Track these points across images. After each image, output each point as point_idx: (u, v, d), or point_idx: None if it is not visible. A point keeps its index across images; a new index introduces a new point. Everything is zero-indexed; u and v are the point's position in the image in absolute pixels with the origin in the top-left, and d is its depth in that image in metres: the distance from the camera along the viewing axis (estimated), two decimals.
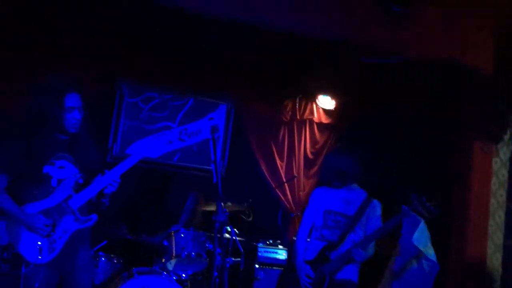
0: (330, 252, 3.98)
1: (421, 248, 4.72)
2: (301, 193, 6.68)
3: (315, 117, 6.89)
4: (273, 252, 5.99)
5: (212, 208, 5.18)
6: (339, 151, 4.40)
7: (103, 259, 4.65)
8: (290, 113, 6.77)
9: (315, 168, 6.77)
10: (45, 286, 3.25)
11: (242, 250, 5.33)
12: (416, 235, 4.75)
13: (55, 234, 3.26)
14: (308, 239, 4.26)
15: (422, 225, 4.67)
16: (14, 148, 3.28)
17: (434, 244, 4.78)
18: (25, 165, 3.27)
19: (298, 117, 6.79)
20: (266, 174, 6.61)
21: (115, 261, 4.73)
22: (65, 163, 3.39)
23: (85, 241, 3.53)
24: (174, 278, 4.63)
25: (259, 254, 5.92)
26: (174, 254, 4.78)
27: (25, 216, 3.22)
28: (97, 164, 3.48)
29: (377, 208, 4.14)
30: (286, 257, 5.96)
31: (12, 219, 3.25)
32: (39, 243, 3.19)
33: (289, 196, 6.65)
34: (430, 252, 4.71)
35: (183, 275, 4.87)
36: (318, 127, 6.96)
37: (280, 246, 6.07)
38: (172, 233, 4.88)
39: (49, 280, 3.30)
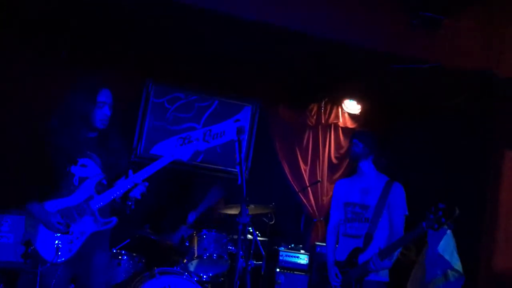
0: (357, 256, 3.85)
1: (447, 258, 4.62)
2: (324, 198, 6.62)
3: (340, 122, 6.83)
4: (294, 257, 5.95)
5: (234, 211, 5.17)
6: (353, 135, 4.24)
7: (125, 257, 4.67)
8: (315, 117, 6.74)
9: (339, 173, 6.71)
10: (61, 285, 3.22)
11: (263, 253, 5.29)
12: (442, 244, 4.67)
13: (73, 234, 3.22)
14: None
15: (449, 234, 4.58)
16: (45, 146, 3.27)
17: (461, 254, 4.68)
18: (51, 162, 3.25)
19: (323, 121, 6.74)
20: (290, 178, 6.57)
21: (137, 260, 4.74)
22: (88, 161, 3.36)
23: (103, 243, 3.47)
24: (195, 279, 4.62)
25: (281, 258, 5.89)
26: (195, 255, 4.77)
27: (42, 213, 3.18)
28: (122, 165, 3.43)
29: (400, 192, 3.93)
30: (307, 262, 5.91)
31: (31, 216, 3.23)
32: (57, 242, 3.17)
33: (312, 201, 6.59)
34: (456, 262, 4.62)
35: (204, 276, 4.86)
36: (343, 132, 6.90)
37: (302, 251, 6.03)
38: (195, 234, 4.88)
39: (65, 280, 3.27)
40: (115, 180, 3.40)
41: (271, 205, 5.39)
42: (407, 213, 3.91)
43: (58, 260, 3.16)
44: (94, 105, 3.33)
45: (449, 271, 4.60)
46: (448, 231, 4.65)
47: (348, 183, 4.15)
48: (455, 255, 4.64)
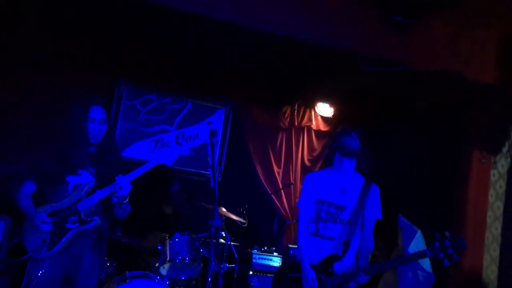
0: (332, 263, 3.62)
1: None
2: (297, 200, 6.64)
3: (313, 124, 6.89)
4: (267, 259, 5.94)
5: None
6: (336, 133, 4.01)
7: None
8: (288, 119, 6.77)
9: None
10: (48, 281, 3.43)
11: (236, 256, 5.28)
12: (412, 245, 4.72)
13: (58, 233, 3.45)
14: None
15: (419, 235, 4.63)
16: (45, 156, 3.57)
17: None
18: (51, 171, 3.54)
19: (296, 124, 6.78)
20: (263, 180, 6.59)
21: (108, 264, 4.68)
22: (83, 171, 3.59)
23: (92, 246, 3.62)
24: (167, 282, 4.57)
25: (254, 260, 5.88)
26: (168, 259, 4.73)
27: (32, 215, 3.45)
28: (114, 173, 3.58)
29: (377, 195, 3.75)
30: (280, 264, 5.92)
31: (28, 220, 3.50)
32: (44, 239, 3.41)
33: (285, 203, 6.62)
34: (426, 263, 4.67)
35: (177, 280, 4.82)
36: (316, 135, 6.95)
37: (275, 253, 6.03)
38: (167, 237, 4.84)
39: (53, 277, 3.46)
40: (105, 186, 3.57)
41: (244, 208, 5.39)
42: (380, 217, 3.75)
43: (43, 256, 3.41)
44: (86, 120, 3.58)
45: (418, 272, 4.65)
46: (418, 232, 4.70)
47: (322, 178, 3.82)
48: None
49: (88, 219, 3.50)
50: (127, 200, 3.61)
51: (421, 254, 3.40)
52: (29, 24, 5.19)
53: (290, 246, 6.18)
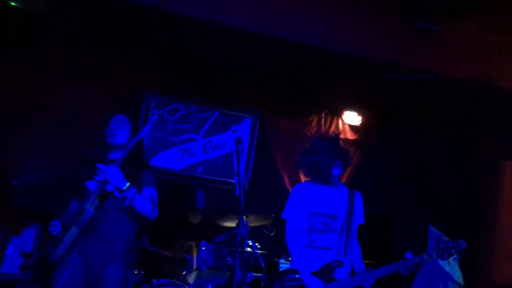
0: (334, 270, 3.69)
1: (447, 270, 4.59)
2: None
3: (341, 133, 6.81)
4: None
5: (233, 223, 5.14)
6: (314, 145, 3.95)
7: None
8: (315, 128, 6.73)
9: None
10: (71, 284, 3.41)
11: (263, 265, 5.25)
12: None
13: (66, 233, 3.44)
14: None
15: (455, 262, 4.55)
16: (72, 172, 3.75)
17: (461, 266, 4.65)
18: (77, 184, 3.61)
19: (323, 132, 6.72)
20: (290, 189, 6.54)
21: (136, 272, 4.71)
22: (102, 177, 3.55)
23: (116, 256, 3.56)
24: None
25: (281, 270, 5.82)
26: (194, 267, 4.74)
27: None
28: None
29: (361, 201, 3.89)
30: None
31: None
32: (56, 242, 3.44)
33: None
34: (457, 275, 4.58)
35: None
36: (343, 143, 6.87)
37: None
38: (193, 246, 4.85)
39: (75, 284, 3.43)
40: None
41: (271, 217, 5.35)
42: (364, 222, 3.90)
43: (54, 258, 3.44)
44: (107, 128, 3.68)
45: (450, 284, 4.56)
46: (454, 257, 4.61)
47: (311, 189, 3.87)
48: (456, 267, 4.60)
49: (84, 211, 3.43)
50: (132, 190, 3.48)
51: (428, 256, 3.50)
52: (57, 36, 5.30)
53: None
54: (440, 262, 4.54)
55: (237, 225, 3.14)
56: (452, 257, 4.03)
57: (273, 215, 5.42)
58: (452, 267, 4.56)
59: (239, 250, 3.21)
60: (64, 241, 3.41)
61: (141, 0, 4.37)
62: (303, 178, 6.58)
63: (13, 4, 4.58)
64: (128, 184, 3.44)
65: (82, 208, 3.42)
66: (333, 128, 6.77)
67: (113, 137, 3.62)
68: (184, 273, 4.79)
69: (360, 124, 6.79)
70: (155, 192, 3.77)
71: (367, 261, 3.91)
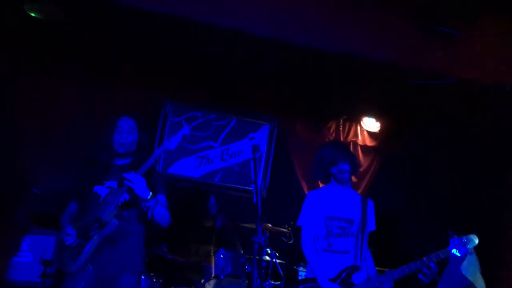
0: (351, 274, 3.71)
1: (470, 279, 4.49)
2: None
3: (359, 139, 6.77)
4: None
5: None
6: (335, 146, 4.18)
7: (143, 277, 4.63)
8: (334, 135, 6.69)
9: (359, 191, 6.62)
10: None
11: (282, 273, 5.21)
12: (465, 264, 4.54)
13: (83, 242, 3.35)
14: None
15: (472, 253, 4.45)
16: (77, 173, 3.61)
17: (484, 275, 4.55)
18: (83, 189, 3.52)
19: (342, 139, 6.68)
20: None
21: (155, 280, 4.71)
22: (112, 183, 3.50)
23: (130, 266, 3.49)
24: None
25: (300, 278, 5.78)
26: (213, 275, 4.73)
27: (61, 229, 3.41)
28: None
29: (373, 208, 3.98)
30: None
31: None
32: (72, 253, 3.33)
33: None
34: (480, 283, 4.48)
35: None
36: (362, 150, 6.82)
37: None
38: (212, 253, 4.84)
39: None
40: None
41: (289, 224, 5.32)
42: (375, 228, 3.96)
43: (72, 270, 3.31)
44: (114, 131, 3.55)
45: None
46: (471, 251, 4.53)
47: (326, 194, 3.93)
48: (479, 275, 4.50)
49: (105, 222, 3.34)
50: (155, 199, 3.38)
51: (444, 253, 3.59)
52: (74, 45, 5.35)
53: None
54: (463, 271, 4.46)
55: (255, 233, 3.12)
56: (469, 253, 4.04)
57: (292, 222, 5.38)
58: (474, 275, 4.47)
59: (257, 258, 3.18)
60: (84, 253, 3.32)
61: (160, 8, 4.39)
62: (321, 185, 6.55)
63: (32, 14, 4.65)
64: (151, 193, 3.35)
65: (98, 217, 3.34)
66: (351, 134, 6.72)
67: (124, 146, 3.55)
68: (202, 281, 4.78)
69: (379, 130, 6.73)
70: (165, 199, 3.66)
71: (380, 268, 3.92)
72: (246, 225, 5.10)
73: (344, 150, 4.02)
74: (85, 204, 3.49)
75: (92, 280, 3.34)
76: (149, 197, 3.33)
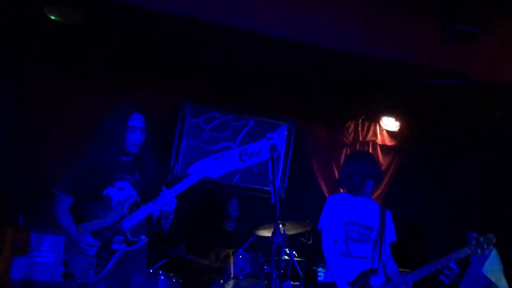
0: (369, 277, 3.71)
1: (493, 279, 4.43)
2: None
3: (379, 139, 6.72)
4: None
5: (269, 232, 5.11)
6: (365, 156, 4.13)
7: (162, 277, 4.66)
8: (352, 134, 6.66)
9: (378, 192, 6.58)
10: None
11: (301, 273, 5.19)
12: (487, 265, 4.48)
13: (105, 255, 3.22)
14: None
15: (494, 253, 4.40)
16: (80, 170, 3.31)
17: (508, 275, 4.49)
18: (87, 186, 3.29)
19: (360, 138, 6.65)
20: (327, 196, 6.47)
21: (174, 280, 4.73)
22: (124, 184, 3.38)
23: (139, 265, 3.43)
24: None
25: (319, 278, 5.76)
26: (232, 275, 4.74)
27: (76, 236, 3.22)
28: (158, 185, 3.37)
29: (391, 219, 3.97)
30: None
31: (69, 238, 3.28)
32: (90, 262, 3.18)
33: None
34: (503, 284, 4.41)
35: None
36: (381, 149, 6.78)
37: None
38: (230, 254, 4.85)
39: None
40: (148, 200, 3.34)
41: (309, 224, 5.29)
42: (396, 239, 3.97)
43: (89, 281, 3.16)
44: (126, 129, 3.34)
45: None
46: (494, 251, 4.47)
47: (347, 200, 3.91)
48: (502, 276, 4.44)
49: (135, 239, 3.26)
50: (171, 219, 3.33)
51: (463, 252, 3.59)
52: (93, 47, 5.40)
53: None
54: (485, 271, 4.41)
55: (273, 233, 3.11)
56: (488, 251, 4.02)
57: (309, 220, 5.36)
58: (497, 276, 4.41)
59: (276, 258, 3.16)
60: (108, 267, 3.19)
61: (179, 10, 4.41)
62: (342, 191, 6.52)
63: (52, 17, 4.70)
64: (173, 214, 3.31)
65: (121, 229, 3.23)
66: (370, 134, 6.67)
67: (138, 147, 3.38)
68: (221, 281, 4.79)
69: (398, 129, 6.67)
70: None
71: (401, 269, 3.90)
72: (265, 225, 5.08)
73: (375, 167, 3.94)
74: (90, 203, 3.33)
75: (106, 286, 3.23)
76: (172, 216, 3.30)
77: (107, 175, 3.32)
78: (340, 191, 4.09)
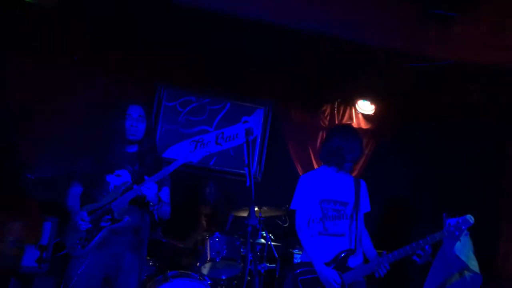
0: (347, 258, 3.71)
1: (463, 259, 4.52)
2: None
3: (354, 123, 6.77)
4: None
5: (245, 213, 5.14)
6: (353, 130, 4.00)
7: None
8: (328, 118, 6.69)
9: (354, 174, 6.62)
10: (87, 279, 3.50)
11: (277, 256, 5.25)
12: (458, 245, 4.57)
13: (92, 230, 3.56)
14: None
15: (466, 235, 4.49)
16: (90, 161, 3.73)
17: (479, 255, 4.59)
18: (94, 176, 3.69)
19: (336, 122, 6.69)
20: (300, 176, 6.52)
21: (151, 263, 4.75)
22: (123, 172, 3.71)
23: (132, 246, 3.67)
24: (209, 282, 4.60)
25: (295, 260, 5.81)
26: (208, 258, 4.75)
27: (74, 213, 3.61)
28: (151, 173, 3.67)
29: (366, 189, 3.96)
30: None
31: (71, 219, 3.64)
32: (80, 237, 3.55)
33: None
34: (473, 263, 4.52)
35: (218, 279, 4.83)
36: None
37: None
38: (207, 237, 4.86)
39: (92, 276, 3.53)
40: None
41: (284, 207, 5.33)
42: (370, 209, 3.94)
43: (76, 253, 3.53)
44: (124, 119, 3.72)
45: (465, 271, 4.50)
46: (467, 235, 4.56)
47: (321, 177, 3.89)
48: (472, 255, 4.54)
49: (119, 218, 3.58)
50: (161, 201, 3.66)
51: (440, 235, 3.57)
52: (69, 30, 5.31)
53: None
54: (457, 251, 4.49)
55: (249, 215, 3.13)
56: (463, 234, 4.07)
57: (287, 205, 5.41)
58: (467, 256, 4.50)
59: (251, 241, 3.19)
60: (93, 241, 3.54)
61: None
62: (316, 167, 6.56)
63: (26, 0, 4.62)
64: (159, 199, 3.62)
65: (110, 209, 3.58)
66: (346, 117, 6.72)
67: (135, 133, 3.73)
68: (198, 264, 4.81)
69: (374, 113, 6.73)
70: (169, 191, 3.90)
71: (379, 250, 3.88)
72: (243, 208, 5.11)
73: (361, 142, 3.88)
74: (93, 189, 3.69)
75: (95, 259, 3.54)
76: (157, 202, 3.59)
77: (112, 166, 3.69)
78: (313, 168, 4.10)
